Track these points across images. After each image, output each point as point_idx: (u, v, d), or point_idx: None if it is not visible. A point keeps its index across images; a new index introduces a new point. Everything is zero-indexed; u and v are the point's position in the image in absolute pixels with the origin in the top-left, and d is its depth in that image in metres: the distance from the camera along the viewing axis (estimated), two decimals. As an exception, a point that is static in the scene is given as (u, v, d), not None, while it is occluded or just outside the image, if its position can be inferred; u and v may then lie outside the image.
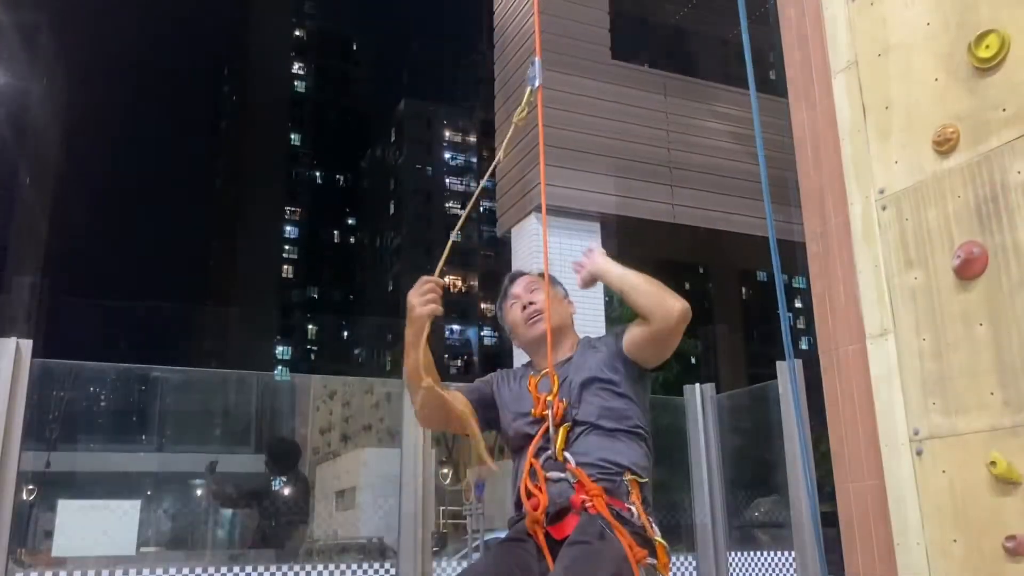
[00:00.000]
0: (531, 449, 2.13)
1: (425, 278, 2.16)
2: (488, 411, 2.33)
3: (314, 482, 9.11)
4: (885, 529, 2.29)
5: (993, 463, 1.97)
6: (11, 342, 3.84)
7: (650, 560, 1.97)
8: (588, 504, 1.99)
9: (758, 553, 5.11)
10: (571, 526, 1.98)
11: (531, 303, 2.33)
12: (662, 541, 2.03)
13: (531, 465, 2.09)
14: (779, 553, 4.99)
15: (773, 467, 5.27)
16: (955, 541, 2.05)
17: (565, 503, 2.02)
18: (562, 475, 2.07)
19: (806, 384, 4.61)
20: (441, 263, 2.21)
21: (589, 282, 2.28)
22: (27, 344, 3.88)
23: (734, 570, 5.14)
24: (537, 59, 2.33)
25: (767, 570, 5.00)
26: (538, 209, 7.37)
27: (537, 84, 2.30)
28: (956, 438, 2.07)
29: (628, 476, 2.09)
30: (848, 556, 2.51)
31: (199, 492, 8.42)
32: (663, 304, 2.10)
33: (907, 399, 2.20)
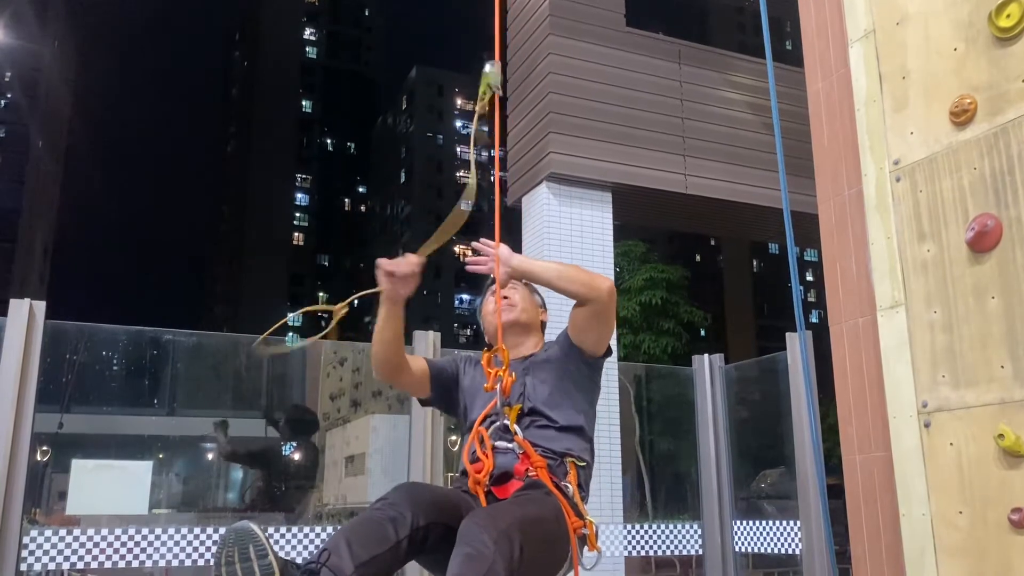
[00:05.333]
0: (479, 418, 2.22)
1: (408, 257, 2.22)
2: (444, 385, 2.43)
3: (324, 447, 9.20)
4: (891, 500, 2.29)
5: (1001, 436, 1.97)
6: (24, 304, 3.86)
7: (584, 531, 2.06)
8: (532, 472, 2.09)
9: (763, 522, 5.14)
10: (513, 490, 2.07)
11: (505, 297, 2.41)
12: (592, 520, 2.12)
13: (479, 433, 2.17)
14: (784, 523, 5.02)
15: (780, 438, 5.29)
16: (960, 513, 2.06)
17: (509, 469, 2.11)
18: (508, 446, 2.16)
19: (815, 356, 4.62)
20: (433, 242, 2.23)
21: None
22: (40, 306, 3.90)
23: (739, 538, 5.18)
24: (496, 61, 2.29)
25: (772, 539, 5.03)
26: (549, 178, 7.33)
27: (498, 88, 2.28)
28: (965, 411, 2.07)
29: (568, 459, 2.19)
30: (853, 526, 2.53)
31: (210, 456, 8.51)
32: (593, 286, 2.19)
33: (916, 372, 2.20)
